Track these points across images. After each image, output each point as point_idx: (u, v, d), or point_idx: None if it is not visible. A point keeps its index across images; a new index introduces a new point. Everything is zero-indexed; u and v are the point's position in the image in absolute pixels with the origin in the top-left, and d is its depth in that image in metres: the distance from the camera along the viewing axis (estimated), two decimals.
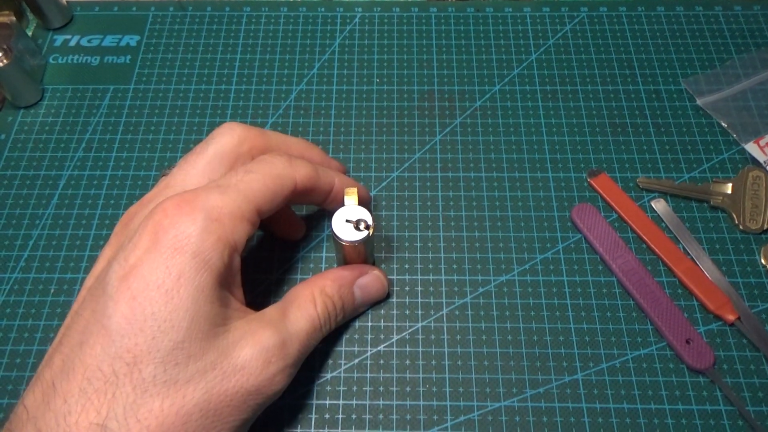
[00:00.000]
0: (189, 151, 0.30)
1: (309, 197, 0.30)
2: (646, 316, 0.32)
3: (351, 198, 0.30)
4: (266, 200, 0.27)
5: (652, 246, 0.34)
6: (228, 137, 0.29)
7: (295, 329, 0.27)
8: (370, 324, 0.33)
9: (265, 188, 0.27)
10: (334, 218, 0.29)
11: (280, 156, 0.29)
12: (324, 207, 0.32)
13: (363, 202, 0.30)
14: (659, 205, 0.36)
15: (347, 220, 0.29)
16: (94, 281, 0.25)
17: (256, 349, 0.25)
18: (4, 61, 0.37)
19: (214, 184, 0.26)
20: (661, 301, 0.32)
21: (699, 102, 0.39)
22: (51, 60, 0.43)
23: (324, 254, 0.35)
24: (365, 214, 0.29)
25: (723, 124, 0.38)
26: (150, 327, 0.23)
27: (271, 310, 0.28)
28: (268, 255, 0.35)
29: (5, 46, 0.38)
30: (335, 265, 0.34)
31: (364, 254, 0.31)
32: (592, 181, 0.36)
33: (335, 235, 0.29)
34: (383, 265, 0.34)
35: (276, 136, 0.31)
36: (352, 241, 0.29)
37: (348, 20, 0.44)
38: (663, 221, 0.35)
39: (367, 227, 0.29)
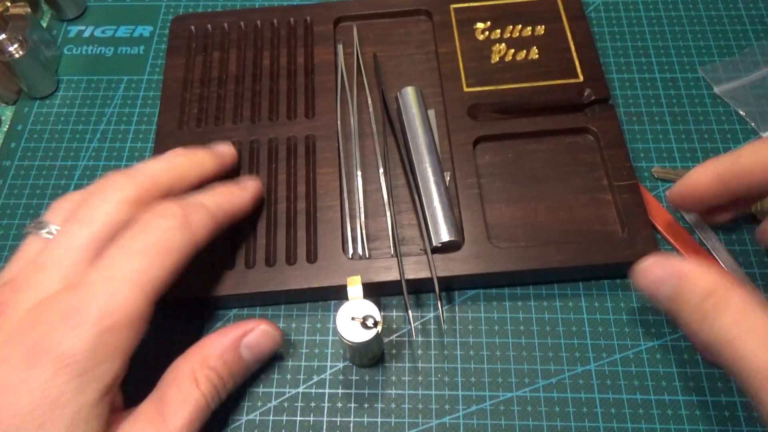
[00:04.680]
0: (69, 217, 0.26)
1: None
2: None
3: (355, 288, 0.28)
4: (163, 282, 0.24)
5: (668, 237, 0.34)
6: (118, 203, 0.25)
7: (176, 422, 0.24)
8: (381, 314, 0.33)
9: (163, 270, 0.24)
10: (339, 316, 0.27)
11: (174, 217, 0.25)
12: None
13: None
14: None
15: (353, 318, 0.27)
16: None
17: None
18: (20, 52, 0.38)
19: (102, 278, 0.23)
20: None
21: (716, 90, 0.39)
22: (66, 51, 0.43)
23: None
24: (372, 309, 0.27)
25: (741, 113, 0.38)
26: None
27: (147, 406, 0.25)
28: None
29: (20, 38, 0.38)
30: None
31: (374, 349, 0.29)
32: None
33: (341, 336, 0.26)
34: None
35: (166, 175, 0.28)
36: (360, 342, 0.26)
37: None
38: (679, 212, 0.35)
39: (376, 324, 0.26)
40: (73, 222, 0.25)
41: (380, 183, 0.35)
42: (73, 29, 0.44)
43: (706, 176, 0.28)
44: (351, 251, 0.33)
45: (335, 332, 0.29)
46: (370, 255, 0.33)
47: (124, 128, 0.39)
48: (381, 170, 0.35)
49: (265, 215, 0.33)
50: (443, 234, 0.32)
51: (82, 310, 0.22)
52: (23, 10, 0.39)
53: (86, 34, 0.44)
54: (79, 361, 0.21)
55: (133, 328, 0.23)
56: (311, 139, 0.36)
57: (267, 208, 0.33)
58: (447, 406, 0.30)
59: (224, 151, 0.32)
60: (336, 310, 0.27)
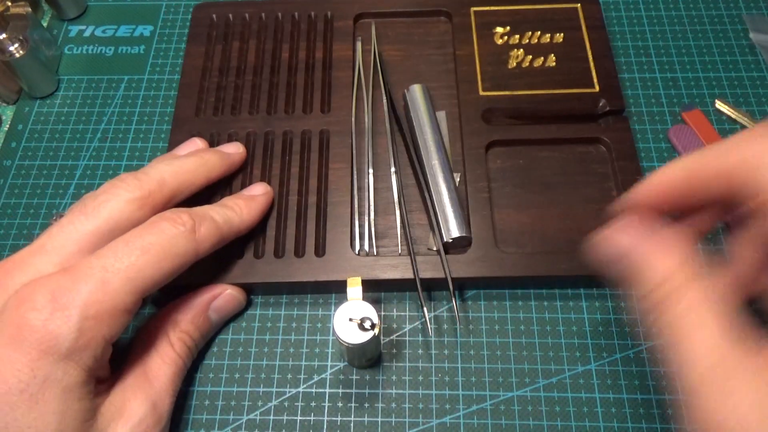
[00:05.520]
0: (77, 205, 0.27)
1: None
2: None
3: (354, 289, 0.28)
4: (156, 283, 0.25)
5: None
6: (124, 201, 0.27)
7: (161, 383, 0.27)
8: (382, 313, 0.33)
9: (159, 271, 0.25)
10: (336, 317, 0.27)
11: (183, 225, 0.26)
12: None
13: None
14: None
15: (351, 319, 0.27)
16: None
17: (128, 427, 0.25)
18: (21, 51, 0.38)
19: (99, 265, 0.24)
20: None
21: (752, 36, 0.40)
22: (66, 50, 0.43)
23: None
24: (370, 311, 0.27)
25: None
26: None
27: (132, 373, 0.26)
28: None
29: (21, 37, 0.38)
30: None
31: (371, 351, 0.29)
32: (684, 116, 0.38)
33: (338, 337, 0.26)
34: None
35: (173, 179, 0.29)
36: (356, 344, 0.26)
37: None
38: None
39: (373, 326, 0.26)
40: (79, 213, 0.26)
41: (391, 182, 0.35)
42: (74, 29, 0.44)
43: (674, 173, 0.23)
44: (358, 247, 0.33)
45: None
46: (377, 252, 0.33)
47: (124, 128, 0.39)
48: (393, 169, 0.35)
49: (276, 207, 0.33)
50: (453, 230, 0.32)
51: (71, 292, 0.23)
52: (24, 9, 0.39)
53: (87, 34, 0.44)
54: (62, 344, 0.22)
55: (116, 319, 0.24)
56: (325, 134, 0.36)
57: (278, 201, 0.34)
58: (447, 406, 0.30)
59: (233, 152, 0.34)
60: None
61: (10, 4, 0.40)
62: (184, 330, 0.29)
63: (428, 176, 0.34)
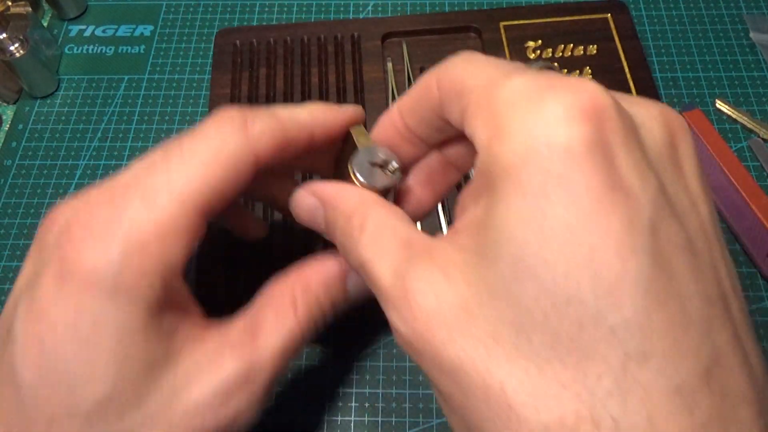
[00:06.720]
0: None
1: (287, 164, 0.23)
2: (732, 233, 0.34)
3: (362, 138, 0.23)
4: (215, 197, 0.21)
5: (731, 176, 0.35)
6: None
7: (267, 349, 0.21)
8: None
9: (213, 181, 0.20)
10: (354, 161, 0.22)
11: (230, 121, 0.21)
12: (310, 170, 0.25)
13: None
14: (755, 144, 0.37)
15: (372, 163, 0.22)
16: (4, 321, 0.20)
17: (212, 386, 0.20)
18: (21, 51, 0.38)
19: (144, 183, 0.20)
20: (746, 216, 0.34)
21: (752, 36, 0.41)
22: (66, 50, 0.43)
23: None
24: (389, 154, 0.22)
25: None
26: (66, 381, 0.19)
27: (236, 325, 0.22)
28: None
29: (21, 37, 0.38)
30: None
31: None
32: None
33: (358, 179, 0.21)
34: None
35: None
36: (383, 186, 0.21)
37: (361, 8, 0.44)
38: (757, 160, 0.36)
39: (394, 171, 0.22)
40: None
41: (437, 209, 0.34)
42: (74, 28, 0.44)
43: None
44: None
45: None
46: None
47: (124, 127, 0.39)
48: None
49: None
50: None
51: (109, 220, 0.19)
52: (24, 9, 0.39)
53: (87, 34, 0.44)
54: (106, 279, 0.19)
55: (167, 242, 0.20)
56: None
57: None
58: None
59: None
60: None
61: (10, 3, 0.40)
62: (313, 293, 0.23)
63: None
